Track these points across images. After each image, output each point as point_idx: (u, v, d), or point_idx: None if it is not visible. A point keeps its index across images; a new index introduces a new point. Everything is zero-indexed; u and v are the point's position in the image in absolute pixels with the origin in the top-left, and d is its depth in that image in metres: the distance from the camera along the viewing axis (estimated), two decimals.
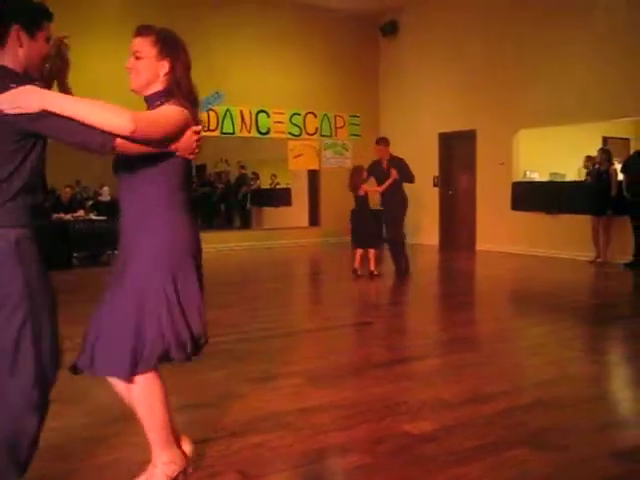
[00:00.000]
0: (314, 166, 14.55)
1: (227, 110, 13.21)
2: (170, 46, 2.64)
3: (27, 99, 2.15)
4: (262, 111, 13.65)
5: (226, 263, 11.64)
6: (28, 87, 2.19)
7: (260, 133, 13.68)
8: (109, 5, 12.42)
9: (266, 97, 13.60)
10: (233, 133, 13.40)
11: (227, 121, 13.27)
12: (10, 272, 2.29)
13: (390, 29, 14.40)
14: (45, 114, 2.17)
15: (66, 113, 2.19)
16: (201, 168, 19.32)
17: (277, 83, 13.79)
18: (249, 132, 13.55)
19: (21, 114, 2.15)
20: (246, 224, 16.30)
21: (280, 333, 5.77)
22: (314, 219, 15.03)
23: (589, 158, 11.21)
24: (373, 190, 9.14)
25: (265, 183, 17.31)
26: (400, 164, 9.08)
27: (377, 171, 9.16)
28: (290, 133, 14.04)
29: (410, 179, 9.10)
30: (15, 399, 2.39)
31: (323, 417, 3.54)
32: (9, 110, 2.15)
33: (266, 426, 3.41)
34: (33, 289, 2.38)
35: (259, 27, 13.61)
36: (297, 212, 15.84)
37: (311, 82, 14.24)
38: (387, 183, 8.86)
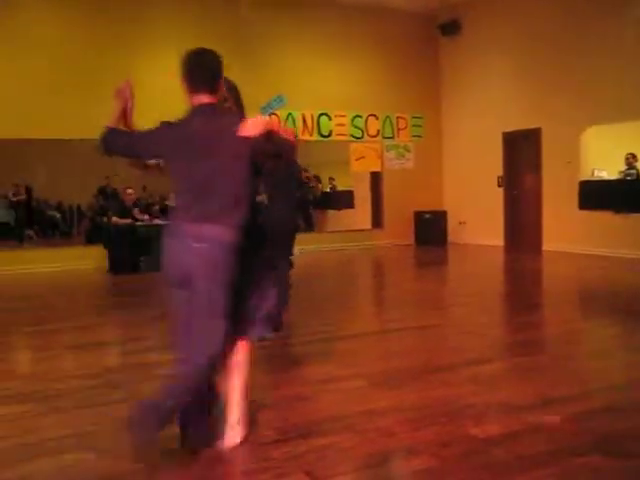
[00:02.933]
0: (376, 168, 14.52)
1: (289, 114, 13.31)
2: None
3: (257, 126, 2.96)
4: (324, 114, 13.70)
5: None
6: (259, 117, 3.12)
7: (322, 136, 13.74)
8: (171, 18, 12.64)
9: (328, 100, 13.66)
10: (295, 137, 13.47)
11: (289, 125, 13.36)
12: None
13: (451, 28, 14.25)
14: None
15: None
16: None
17: (338, 86, 13.83)
18: (311, 135, 13.62)
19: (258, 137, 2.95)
20: (309, 227, 16.37)
21: (343, 335, 5.77)
22: (377, 221, 15.00)
23: None
24: None
25: (325, 186, 17.35)
26: None
27: None
28: (352, 135, 14.06)
29: None
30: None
31: (388, 419, 3.54)
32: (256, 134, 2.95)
33: (332, 428, 3.43)
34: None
35: (320, 30, 13.69)
36: (360, 214, 15.84)
37: (372, 84, 14.21)
38: None
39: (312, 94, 13.49)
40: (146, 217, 11.68)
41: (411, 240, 14.58)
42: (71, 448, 3.22)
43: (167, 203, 12.42)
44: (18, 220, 15.16)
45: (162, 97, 12.37)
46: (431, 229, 14.38)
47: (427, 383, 4.25)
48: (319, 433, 3.36)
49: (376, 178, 14.86)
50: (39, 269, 11.18)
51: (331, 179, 17.15)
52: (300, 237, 14.73)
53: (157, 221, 11.65)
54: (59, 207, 16.31)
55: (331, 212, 17.05)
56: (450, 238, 14.43)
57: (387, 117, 14.37)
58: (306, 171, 16.64)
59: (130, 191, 11.39)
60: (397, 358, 4.92)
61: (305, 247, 13.63)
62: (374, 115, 14.23)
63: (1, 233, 14.74)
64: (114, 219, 10.98)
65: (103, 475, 2.92)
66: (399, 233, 14.42)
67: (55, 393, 4.17)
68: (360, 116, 14.09)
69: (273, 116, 13.15)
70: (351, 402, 3.85)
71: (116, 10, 12.03)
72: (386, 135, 14.40)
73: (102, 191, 14.71)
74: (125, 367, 4.86)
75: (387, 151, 14.40)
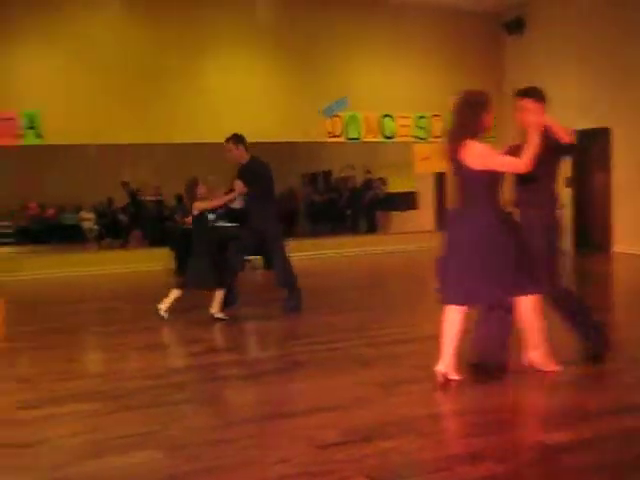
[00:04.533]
0: (441, 169, 14.35)
1: (352, 115, 13.29)
2: None
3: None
4: (387, 115, 13.64)
5: (352, 268, 11.70)
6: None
7: (385, 137, 13.68)
8: (233, 20, 12.80)
9: (391, 101, 13.59)
10: (358, 138, 13.48)
11: (352, 126, 13.36)
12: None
13: (516, 26, 13.97)
14: None
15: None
16: (327, 174, 19.57)
17: (402, 86, 13.74)
18: (374, 137, 13.57)
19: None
20: (372, 229, 16.31)
21: (408, 338, 5.72)
22: (441, 223, 14.83)
23: None
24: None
25: (392, 187, 17.28)
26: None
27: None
28: (416, 136, 13.94)
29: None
30: None
31: (453, 423, 3.48)
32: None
33: (396, 431, 3.39)
34: None
35: (382, 31, 13.63)
36: (424, 216, 15.70)
37: (436, 84, 14.06)
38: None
39: (375, 95, 13.45)
40: (212, 218, 11.83)
41: None
42: (139, 446, 3.27)
43: (232, 206, 12.53)
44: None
45: (226, 98, 12.62)
46: None
47: (495, 387, 4.16)
48: (383, 436, 3.32)
49: (440, 179, 14.71)
50: (111, 270, 11.49)
51: (382, 179, 17.00)
52: (362, 239, 14.80)
53: (221, 223, 11.79)
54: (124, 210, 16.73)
55: (394, 214, 16.97)
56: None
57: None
58: (369, 173, 16.60)
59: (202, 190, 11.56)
60: (462, 361, 4.83)
61: (368, 249, 13.59)
62: (438, 115, 14.08)
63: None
64: (188, 219, 11.17)
65: (170, 474, 2.95)
66: None
67: (123, 392, 4.26)
68: (424, 116, 13.96)
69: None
70: (416, 405, 3.80)
71: (180, 14, 12.28)
72: None
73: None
74: (189, 368, 4.92)
75: None
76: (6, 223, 20.12)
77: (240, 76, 12.84)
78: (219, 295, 6.57)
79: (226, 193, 7.07)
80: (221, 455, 3.14)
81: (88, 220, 18.29)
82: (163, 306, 6.56)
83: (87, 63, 11.84)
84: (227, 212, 12.47)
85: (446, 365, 4.14)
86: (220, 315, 6.55)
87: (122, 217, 16.41)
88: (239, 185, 6.77)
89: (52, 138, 11.66)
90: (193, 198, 6.57)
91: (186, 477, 2.94)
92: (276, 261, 7.02)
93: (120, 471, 3.01)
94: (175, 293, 6.61)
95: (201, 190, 6.61)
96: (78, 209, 19.28)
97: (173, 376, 4.63)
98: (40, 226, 19.93)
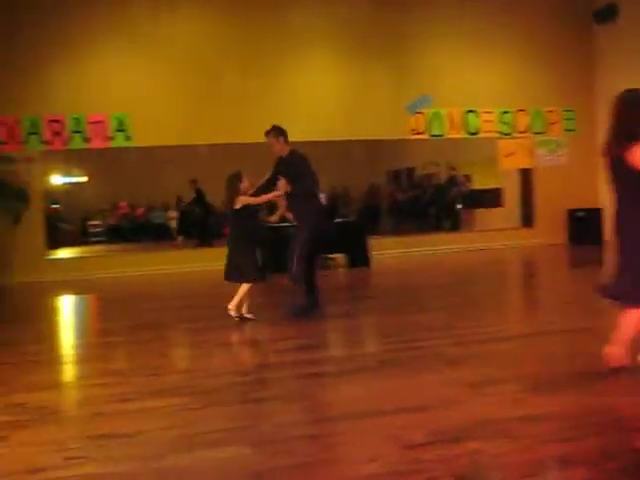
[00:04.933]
0: (526, 165, 14.06)
1: (435, 112, 13.16)
2: None
3: None
4: (471, 111, 13.44)
5: (437, 266, 11.59)
6: None
7: (469, 133, 13.48)
8: (316, 21, 12.88)
9: (475, 97, 13.40)
10: (442, 135, 13.34)
11: (436, 123, 13.24)
12: None
13: (607, 14, 13.49)
14: None
15: None
16: (410, 171, 19.44)
17: (485, 81, 13.53)
18: (458, 133, 13.40)
19: None
20: (456, 226, 16.11)
21: (495, 337, 5.61)
22: (527, 220, 14.51)
23: None
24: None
25: (477, 184, 17.00)
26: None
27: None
28: (500, 132, 13.69)
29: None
30: None
31: (544, 426, 3.40)
32: None
33: (484, 433, 3.33)
34: None
35: (463, 26, 13.47)
36: (509, 213, 15.39)
37: (520, 77, 13.77)
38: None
39: (458, 91, 13.29)
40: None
41: (563, 239, 13.97)
42: (228, 442, 3.34)
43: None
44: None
45: (308, 98, 12.73)
46: (586, 228, 13.70)
47: (587, 389, 4.04)
48: (472, 437, 3.27)
49: (526, 175, 14.38)
50: (194, 268, 11.77)
51: (467, 176, 16.75)
52: (446, 236, 14.70)
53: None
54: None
55: (478, 211, 16.70)
56: (607, 237, 13.68)
57: (537, 111, 13.87)
58: (453, 169, 16.40)
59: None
60: (554, 362, 4.72)
61: (452, 246, 13.43)
62: (523, 110, 13.77)
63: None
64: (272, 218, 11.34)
65: (259, 470, 3.00)
66: (550, 232, 13.86)
67: (212, 388, 4.36)
68: (508, 111, 13.69)
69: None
70: (506, 406, 3.73)
71: (262, 16, 12.47)
72: (536, 130, 13.91)
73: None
74: (276, 365, 4.99)
75: (538, 147, 13.89)
76: (98, 222, 20.94)
77: (322, 75, 12.94)
78: (242, 290, 6.55)
79: (263, 186, 6.83)
80: (309, 452, 3.17)
81: (175, 219, 18.81)
82: (232, 306, 6.60)
83: (172, 67, 12.19)
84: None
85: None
86: (234, 313, 6.54)
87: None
88: (283, 184, 6.59)
89: (140, 140, 12.06)
90: (236, 192, 6.55)
91: (274, 473, 2.98)
92: (290, 253, 6.63)
93: (211, 465, 3.08)
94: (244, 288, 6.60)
95: (244, 184, 6.59)
96: (166, 208, 19.86)
97: (260, 372, 4.71)
98: (130, 225, 20.65)
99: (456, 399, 3.87)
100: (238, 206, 6.55)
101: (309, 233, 6.60)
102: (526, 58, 13.85)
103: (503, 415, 3.58)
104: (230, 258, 6.63)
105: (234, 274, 6.58)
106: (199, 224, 15.78)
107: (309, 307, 6.69)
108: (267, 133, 6.79)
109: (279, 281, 10.17)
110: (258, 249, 6.75)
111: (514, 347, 5.33)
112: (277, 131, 6.77)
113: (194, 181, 15.98)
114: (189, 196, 16.41)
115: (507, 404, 3.77)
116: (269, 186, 6.76)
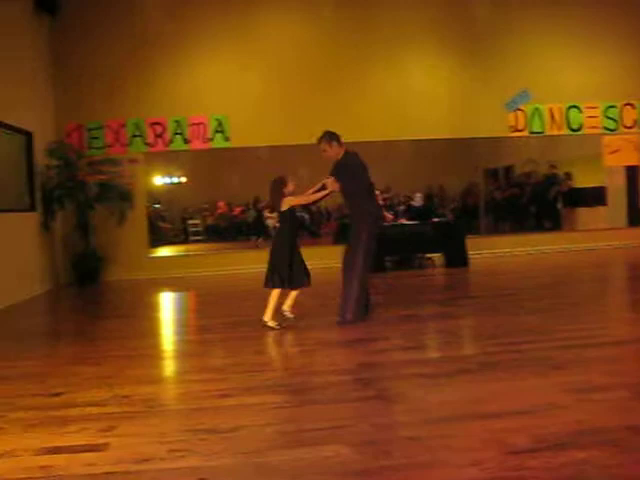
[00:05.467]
0: (633, 162, 13.45)
1: (536, 108, 12.80)
2: None
3: None
4: (573, 107, 12.98)
5: (538, 267, 11.27)
6: None
7: (571, 130, 13.03)
8: (406, 22, 12.79)
9: (577, 91, 12.96)
10: (542, 132, 12.95)
11: (536, 120, 12.87)
12: None
13: None
14: None
15: None
16: (509, 169, 18.98)
17: (588, 75, 13.05)
18: (559, 130, 12.99)
19: None
20: (557, 226, 15.59)
21: (601, 341, 5.38)
22: (633, 219, 13.88)
23: None
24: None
25: (577, 182, 16.41)
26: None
27: None
28: (605, 128, 13.17)
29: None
30: None
31: None
32: None
33: (591, 441, 3.19)
34: None
35: (561, 18, 13.05)
36: (613, 212, 14.77)
37: (627, 69, 13.18)
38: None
39: (559, 86, 12.88)
40: (390, 217, 11.92)
41: None
42: (328, 440, 3.33)
43: (412, 204, 12.52)
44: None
45: (404, 98, 12.64)
46: None
47: None
48: (578, 445, 3.13)
49: (632, 173, 13.77)
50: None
51: (569, 174, 16.17)
52: (547, 236, 14.28)
53: (402, 221, 11.82)
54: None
55: (580, 210, 16.11)
56: None
57: None
58: (554, 167, 15.89)
59: (377, 192, 11.69)
60: None
61: (553, 246, 13.01)
62: (630, 104, 13.18)
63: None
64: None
65: (359, 470, 2.98)
66: None
67: (312, 386, 4.38)
68: (614, 106, 13.14)
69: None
70: (614, 414, 3.56)
71: (358, 18, 12.49)
72: None
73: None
74: (375, 365, 4.95)
75: None
76: (197, 221, 21.51)
77: (419, 75, 12.85)
78: (293, 294, 6.56)
79: (317, 191, 6.70)
80: (411, 453, 3.12)
81: (271, 218, 19.06)
82: (286, 307, 6.61)
83: (269, 69, 12.39)
84: (408, 209, 12.50)
85: None
86: (288, 314, 6.57)
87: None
88: (331, 182, 6.49)
89: (238, 141, 12.30)
90: (281, 196, 6.48)
91: (374, 473, 2.95)
92: (346, 261, 6.53)
93: (309, 463, 3.08)
94: (294, 293, 6.59)
95: (289, 188, 6.50)
96: (253, 206, 20.14)
97: (360, 372, 4.69)
98: (228, 224, 21.08)
99: (561, 404, 3.73)
100: (284, 208, 6.52)
101: (368, 235, 6.47)
102: (632, 50, 13.24)
103: (612, 423, 3.42)
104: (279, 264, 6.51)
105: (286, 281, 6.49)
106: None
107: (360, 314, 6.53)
108: (319, 141, 6.58)
109: (372, 282, 10.17)
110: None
111: (620, 352, 5.10)
112: (329, 136, 6.57)
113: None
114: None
115: (616, 412, 3.61)
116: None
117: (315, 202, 7.12)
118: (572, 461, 2.97)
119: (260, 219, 17.72)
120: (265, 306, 6.50)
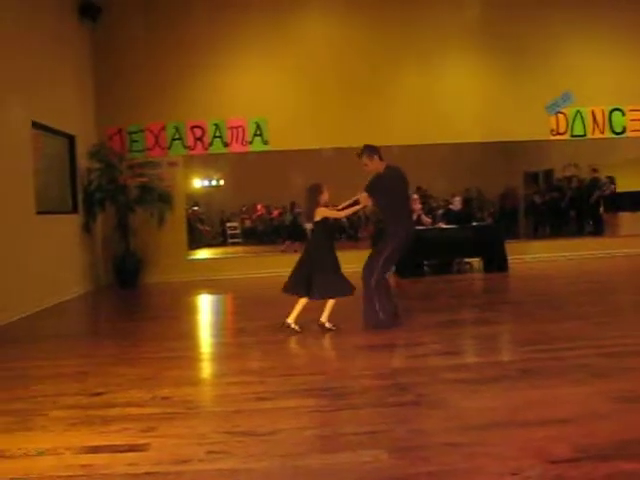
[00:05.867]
0: None
1: (577, 111, 12.62)
2: None
3: None
4: (616, 109, 12.76)
5: (578, 272, 11.09)
6: None
7: (615, 133, 12.80)
8: (437, 27, 12.71)
9: (620, 93, 12.75)
10: (584, 135, 12.76)
11: (577, 123, 12.70)
12: None
13: None
14: None
15: None
16: (549, 173, 18.75)
17: (632, 76, 12.79)
18: (602, 133, 12.78)
19: None
20: (599, 231, 15.33)
21: None
22: None
23: None
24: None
25: (620, 186, 16.13)
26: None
27: None
28: None
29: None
30: None
31: None
32: None
33: (636, 453, 3.12)
34: None
35: (601, 18, 12.85)
36: None
37: None
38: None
39: (601, 88, 12.68)
40: (429, 221, 11.84)
41: None
42: (365, 445, 3.32)
43: (451, 207, 12.42)
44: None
45: (444, 101, 12.56)
46: None
47: None
48: (622, 457, 3.07)
49: None
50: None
51: (611, 178, 15.92)
52: (588, 241, 14.02)
53: (441, 225, 11.73)
54: None
55: (623, 215, 15.85)
56: None
57: None
58: (596, 171, 15.65)
59: (415, 196, 11.67)
60: None
61: (593, 252, 12.80)
62: None
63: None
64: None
65: (396, 475, 2.96)
66: None
67: (348, 391, 4.36)
68: None
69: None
70: None
71: (396, 19, 12.47)
72: None
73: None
74: (413, 370, 4.92)
75: None
76: (235, 224, 21.65)
77: (458, 77, 12.78)
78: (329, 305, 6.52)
79: (350, 205, 6.66)
80: (449, 460, 3.09)
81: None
82: (324, 319, 6.56)
83: (307, 72, 12.42)
84: (446, 213, 12.41)
85: None
86: (329, 325, 6.51)
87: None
88: (364, 197, 6.52)
89: (276, 144, 12.36)
90: (316, 204, 6.46)
91: (415, 478, 2.93)
92: (368, 266, 6.54)
93: (347, 467, 3.08)
94: (303, 302, 6.54)
95: (324, 197, 6.49)
96: (289, 210, 20.18)
97: (397, 377, 4.66)
98: (266, 227, 21.18)
99: (604, 414, 3.66)
100: (318, 218, 6.50)
101: (396, 245, 6.48)
102: None
103: None
104: (301, 271, 6.53)
105: (300, 288, 6.49)
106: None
107: (390, 317, 6.51)
108: (359, 155, 6.58)
109: (411, 286, 10.12)
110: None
111: None
112: (370, 150, 6.57)
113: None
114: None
115: None
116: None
117: (345, 216, 7.06)
118: (616, 473, 2.92)
119: (296, 223, 17.76)
120: (291, 310, 6.53)
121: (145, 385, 4.71)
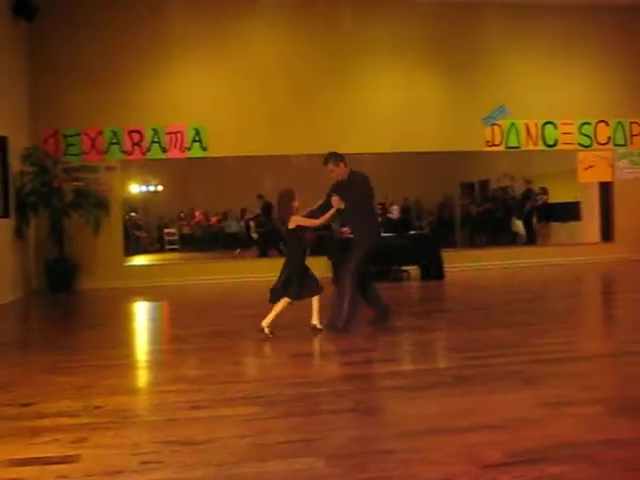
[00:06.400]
0: (607, 178, 13.65)
1: (512, 124, 12.95)
2: None
3: None
4: (549, 122, 13.15)
5: (512, 281, 11.35)
6: None
7: (547, 146, 13.19)
8: (391, 34, 12.86)
9: (552, 108, 13.12)
10: (519, 147, 13.09)
11: (512, 135, 13.02)
12: None
13: None
14: None
15: None
16: (484, 183, 19.15)
17: (564, 92, 13.25)
18: (535, 145, 13.14)
19: None
20: (532, 240, 15.74)
21: (574, 356, 5.44)
22: (607, 234, 14.06)
23: None
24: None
25: (552, 197, 16.59)
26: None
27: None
28: (579, 144, 13.36)
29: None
30: None
31: (630, 452, 3.24)
32: None
33: (564, 456, 3.20)
34: None
35: (539, 34, 13.24)
36: (587, 227, 14.96)
37: (601, 87, 13.41)
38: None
39: (535, 102, 13.06)
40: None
41: None
42: (301, 453, 3.32)
43: (389, 216, 12.54)
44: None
45: (381, 112, 12.71)
46: None
47: None
48: (551, 460, 3.15)
49: (606, 189, 13.96)
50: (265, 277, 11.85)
51: (544, 190, 16.37)
52: (521, 250, 14.39)
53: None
54: None
55: (555, 225, 16.30)
56: None
57: (619, 123, 13.46)
58: (529, 182, 16.07)
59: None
60: (637, 384, 4.52)
61: (526, 260, 13.13)
62: (604, 121, 13.39)
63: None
64: (345, 230, 11.46)
65: None
66: (631, 247, 13.40)
67: (285, 398, 4.35)
68: (589, 123, 13.34)
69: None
70: (587, 429, 3.58)
71: (338, 32, 12.57)
72: (618, 142, 13.49)
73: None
74: (350, 377, 4.94)
75: (619, 160, 13.47)
76: (173, 230, 21.42)
77: (396, 89, 12.94)
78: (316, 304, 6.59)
79: (316, 211, 6.74)
80: (385, 467, 3.11)
81: (256, 232, 19.06)
82: (315, 321, 6.63)
83: (247, 80, 12.40)
84: (386, 222, 12.54)
85: None
86: (267, 330, 6.47)
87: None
88: (336, 200, 6.60)
89: (216, 150, 12.29)
90: (289, 211, 6.50)
91: None
92: (342, 270, 6.78)
93: (283, 476, 3.07)
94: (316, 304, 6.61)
95: (296, 204, 6.54)
96: (238, 218, 20.13)
97: (333, 384, 4.67)
98: (204, 233, 21.01)
99: (534, 419, 3.75)
100: (292, 226, 6.52)
101: (366, 250, 6.66)
102: (608, 66, 13.47)
103: (585, 438, 3.44)
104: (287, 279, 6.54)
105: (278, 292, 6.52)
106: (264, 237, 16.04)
107: (352, 319, 6.64)
108: (326, 161, 6.77)
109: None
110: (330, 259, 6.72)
111: (593, 367, 5.15)
112: (336, 157, 6.78)
113: (261, 196, 16.21)
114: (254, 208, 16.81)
115: (588, 427, 3.63)
116: (322, 211, 6.73)
117: (320, 224, 7.10)
118: (546, 475, 2.99)
119: (247, 230, 17.77)
120: (267, 314, 6.52)
121: (78, 394, 4.59)
